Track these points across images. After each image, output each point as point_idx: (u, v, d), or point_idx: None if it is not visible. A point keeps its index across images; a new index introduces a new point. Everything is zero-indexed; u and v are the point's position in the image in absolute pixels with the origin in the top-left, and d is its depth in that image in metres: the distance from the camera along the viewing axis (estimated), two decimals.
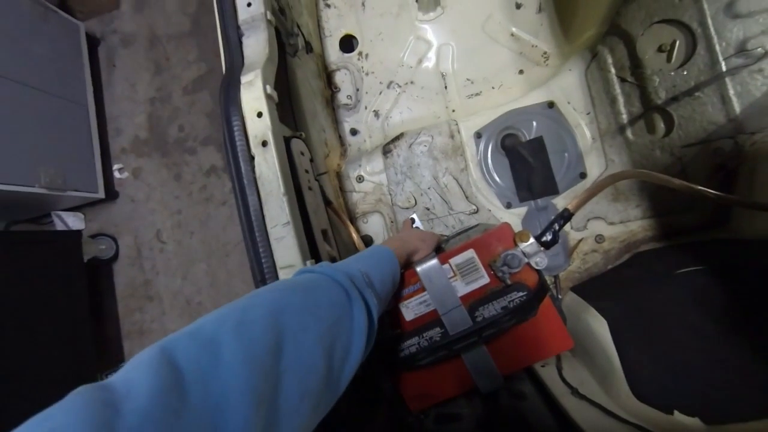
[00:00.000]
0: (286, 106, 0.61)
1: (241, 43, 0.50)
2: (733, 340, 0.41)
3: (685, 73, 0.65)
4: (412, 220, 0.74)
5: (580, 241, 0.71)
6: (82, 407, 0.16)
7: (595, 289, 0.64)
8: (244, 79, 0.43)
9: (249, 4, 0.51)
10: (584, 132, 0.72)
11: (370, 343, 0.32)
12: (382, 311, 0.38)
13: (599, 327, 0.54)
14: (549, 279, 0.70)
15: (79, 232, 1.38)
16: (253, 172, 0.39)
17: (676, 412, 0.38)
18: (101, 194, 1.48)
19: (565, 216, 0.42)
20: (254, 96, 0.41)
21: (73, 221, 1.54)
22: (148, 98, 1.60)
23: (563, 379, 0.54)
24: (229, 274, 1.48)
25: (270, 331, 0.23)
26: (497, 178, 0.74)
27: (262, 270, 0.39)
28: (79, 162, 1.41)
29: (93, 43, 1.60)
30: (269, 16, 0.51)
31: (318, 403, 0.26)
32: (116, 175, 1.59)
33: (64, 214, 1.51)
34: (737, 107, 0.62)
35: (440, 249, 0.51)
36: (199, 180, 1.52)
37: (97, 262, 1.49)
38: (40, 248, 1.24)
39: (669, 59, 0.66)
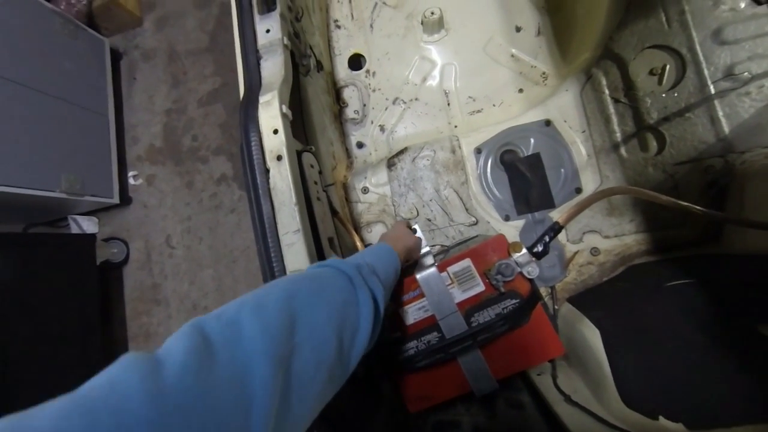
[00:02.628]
0: (298, 121, 0.66)
1: (259, 65, 0.55)
2: (718, 350, 0.43)
3: (675, 95, 0.68)
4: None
5: (576, 253, 0.73)
6: (131, 362, 0.19)
7: (590, 300, 0.66)
8: (262, 99, 0.47)
9: (268, 31, 0.56)
10: (580, 149, 0.76)
11: (377, 327, 0.35)
12: (388, 299, 0.41)
13: (592, 337, 0.56)
14: (546, 290, 0.72)
15: (93, 236, 1.43)
16: (268, 183, 0.43)
17: (661, 418, 0.40)
18: (116, 200, 1.54)
19: (555, 229, 0.45)
20: (271, 114, 0.45)
21: (88, 225, 1.60)
22: (164, 109, 1.68)
23: (557, 387, 0.56)
24: (235, 280, 1.51)
25: (284, 311, 0.27)
26: (496, 192, 0.78)
27: (273, 273, 0.42)
28: (97, 169, 1.48)
29: (116, 57, 1.69)
30: (286, 41, 0.56)
31: (332, 375, 0.29)
32: (131, 181, 1.66)
33: (79, 218, 1.58)
34: (726, 128, 0.65)
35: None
36: (210, 188, 1.58)
37: (108, 265, 1.54)
38: (56, 250, 1.29)
39: (660, 82, 0.69)
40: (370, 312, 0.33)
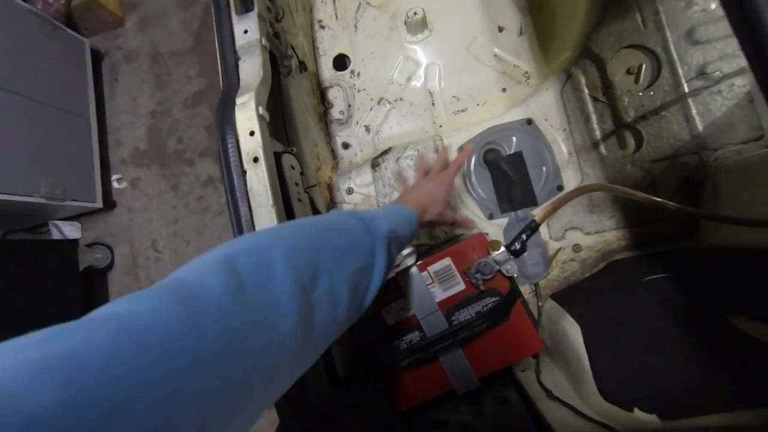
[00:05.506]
0: (279, 123, 0.65)
1: (237, 66, 0.54)
2: (691, 343, 0.44)
3: (651, 93, 0.70)
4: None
5: (558, 250, 0.74)
6: (172, 293, 0.19)
7: (572, 296, 0.67)
8: (238, 100, 0.47)
9: (246, 31, 0.55)
10: (561, 147, 0.77)
11: (381, 286, 0.37)
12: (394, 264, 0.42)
13: (573, 332, 0.57)
14: (530, 287, 0.73)
15: (75, 242, 1.40)
16: (245, 185, 0.43)
17: (635, 410, 0.41)
18: (99, 204, 1.51)
19: (532, 227, 0.45)
20: (247, 116, 0.45)
21: (70, 230, 1.56)
22: (148, 111, 1.65)
23: (540, 383, 0.56)
24: None
25: (311, 262, 0.28)
26: (480, 191, 0.78)
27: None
28: (79, 172, 1.45)
29: (97, 58, 1.65)
30: (264, 42, 0.56)
31: (339, 330, 0.31)
32: (115, 185, 1.62)
33: (60, 224, 1.54)
34: (700, 125, 0.66)
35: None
36: (197, 191, 1.56)
37: (92, 271, 1.50)
38: (36, 257, 1.26)
39: (637, 81, 0.71)
40: (380, 280, 0.35)
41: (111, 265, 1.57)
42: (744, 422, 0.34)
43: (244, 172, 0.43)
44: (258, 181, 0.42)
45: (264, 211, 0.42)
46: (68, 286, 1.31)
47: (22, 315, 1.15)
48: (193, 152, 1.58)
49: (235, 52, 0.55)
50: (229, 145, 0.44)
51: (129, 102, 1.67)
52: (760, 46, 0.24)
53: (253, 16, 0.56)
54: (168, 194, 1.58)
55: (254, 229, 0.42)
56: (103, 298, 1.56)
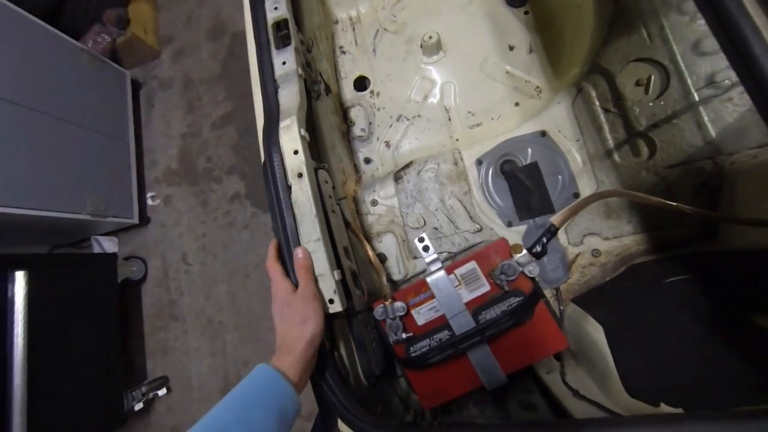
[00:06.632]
0: (312, 141, 0.72)
1: (277, 93, 0.61)
2: (713, 340, 0.46)
3: (662, 103, 0.73)
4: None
5: (577, 255, 0.76)
6: None
7: (593, 299, 0.68)
8: (282, 124, 0.53)
9: (284, 63, 0.63)
10: (575, 157, 0.80)
11: None
12: None
13: (597, 333, 0.58)
14: (551, 291, 0.75)
15: (114, 255, 1.50)
16: (290, 198, 0.48)
17: (662, 405, 0.42)
18: (135, 220, 1.62)
19: (552, 231, 0.49)
20: (291, 138, 0.51)
21: (109, 245, 1.68)
22: (180, 133, 1.78)
23: (566, 383, 0.58)
24: (249, 294, 1.56)
25: None
26: (498, 200, 0.82)
27: (296, 278, 0.47)
28: (119, 191, 1.57)
29: (135, 86, 1.81)
30: (300, 71, 0.63)
31: None
32: (149, 202, 1.74)
33: (101, 238, 1.65)
34: (713, 132, 0.68)
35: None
36: (224, 206, 1.65)
37: (128, 283, 1.60)
38: (81, 269, 1.36)
39: (646, 92, 0.74)
40: None
41: (145, 278, 1.67)
42: None
43: (290, 187, 0.49)
44: (302, 194, 0.48)
45: (308, 221, 0.47)
46: (108, 296, 1.40)
47: (67, 323, 1.24)
48: (221, 170, 1.69)
49: (275, 81, 0.62)
50: (275, 164, 0.50)
51: (163, 125, 1.81)
52: (748, 66, 0.28)
53: (291, 49, 0.63)
54: (197, 210, 1.68)
55: (299, 237, 0.47)
56: (137, 309, 1.64)
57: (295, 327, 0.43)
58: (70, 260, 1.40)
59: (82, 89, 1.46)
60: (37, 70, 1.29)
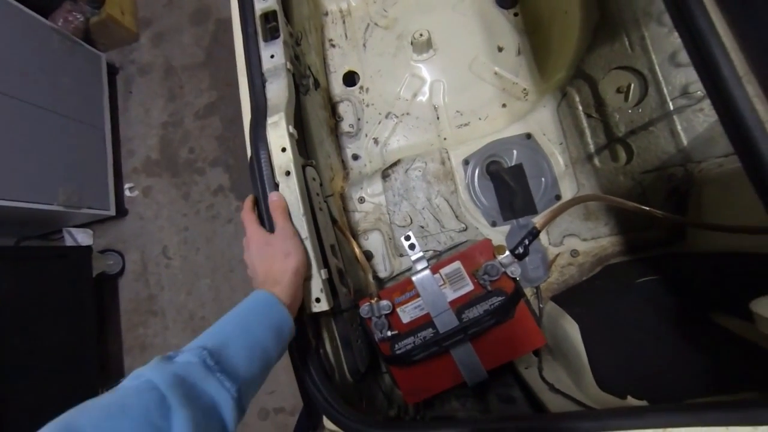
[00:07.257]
0: (300, 137, 0.71)
1: (264, 88, 0.60)
2: (677, 337, 0.49)
3: (640, 110, 0.76)
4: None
5: (557, 255, 0.79)
6: None
7: (570, 298, 0.72)
8: (269, 120, 0.52)
9: (272, 56, 0.61)
10: (558, 160, 0.83)
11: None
12: (260, 381, 0.36)
13: (573, 330, 0.61)
14: (531, 289, 0.78)
15: (89, 248, 1.44)
16: None
17: (629, 397, 0.45)
18: (112, 212, 1.55)
19: (534, 233, 0.50)
20: (279, 134, 0.50)
21: (82, 237, 1.60)
22: (161, 122, 1.71)
23: (543, 378, 0.61)
24: (233, 289, 1.53)
25: None
26: (483, 200, 0.84)
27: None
28: (94, 181, 1.50)
29: (112, 71, 1.72)
30: (288, 65, 0.61)
31: None
32: (127, 193, 1.67)
33: (74, 230, 1.58)
34: (685, 140, 0.72)
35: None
36: (207, 199, 1.60)
37: (104, 277, 1.54)
38: (51, 263, 1.30)
39: (626, 99, 0.77)
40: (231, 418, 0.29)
41: (122, 272, 1.61)
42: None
43: (277, 185, 0.48)
44: (290, 192, 0.48)
45: (296, 219, 0.47)
46: (82, 291, 1.35)
47: (37, 319, 1.19)
48: (204, 162, 1.64)
49: (262, 75, 0.61)
50: (263, 161, 0.49)
51: (142, 113, 1.73)
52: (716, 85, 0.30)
53: (279, 42, 0.62)
54: (179, 202, 1.63)
55: None
56: (114, 304, 1.59)
57: (278, 261, 0.43)
58: (39, 253, 1.33)
59: (52, 71, 1.38)
60: (1, 49, 1.20)
